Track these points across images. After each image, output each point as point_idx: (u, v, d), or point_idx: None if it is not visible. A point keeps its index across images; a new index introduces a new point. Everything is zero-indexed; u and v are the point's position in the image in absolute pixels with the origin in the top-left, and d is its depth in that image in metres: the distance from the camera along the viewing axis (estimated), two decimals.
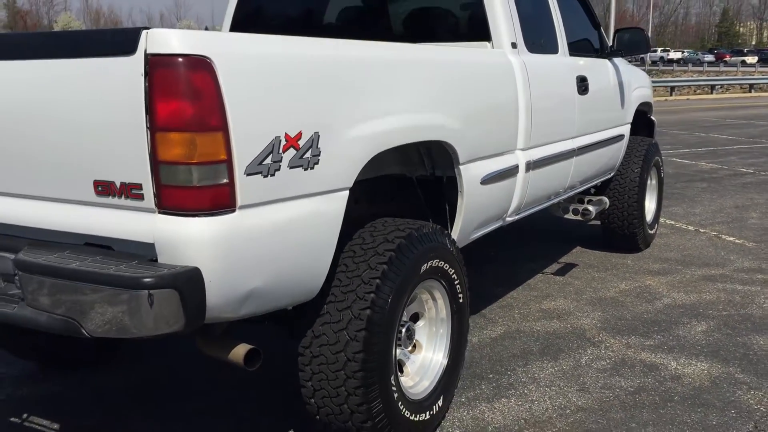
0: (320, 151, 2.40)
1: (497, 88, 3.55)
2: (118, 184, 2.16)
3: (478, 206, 3.42)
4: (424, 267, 2.85)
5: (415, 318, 3.10)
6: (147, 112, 2.05)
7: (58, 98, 2.23)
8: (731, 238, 6.43)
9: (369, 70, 2.67)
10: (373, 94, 2.66)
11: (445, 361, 3.09)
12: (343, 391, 2.63)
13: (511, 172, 3.68)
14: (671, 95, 29.70)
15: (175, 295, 2.03)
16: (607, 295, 4.92)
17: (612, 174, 5.62)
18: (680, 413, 3.25)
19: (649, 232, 6.03)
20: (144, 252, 2.15)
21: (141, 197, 2.12)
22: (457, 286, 3.11)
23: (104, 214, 2.22)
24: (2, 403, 3.43)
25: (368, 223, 2.91)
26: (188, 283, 2.05)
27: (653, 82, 31.85)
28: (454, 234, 3.36)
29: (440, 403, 3.05)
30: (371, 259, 2.69)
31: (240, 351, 2.43)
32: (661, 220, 7.05)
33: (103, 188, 2.19)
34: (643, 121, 6.22)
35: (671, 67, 54.27)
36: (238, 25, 4.49)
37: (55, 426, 3.21)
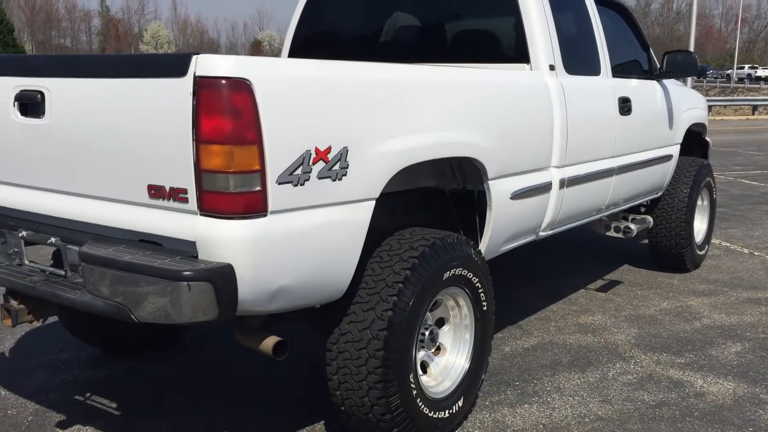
0: (348, 164, 2.65)
1: (531, 108, 3.74)
2: (167, 188, 2.46)
3: (507, 220, 3.61)
4: (446, 275, 3.06)
5: (441, 323, 3.32)
6: (193, 127, 2.34)
7: (121, 112, 2.56)
8: None
9: (397, 90, 2.91)
10: (401, 112, 2.90)
11: (467, 365, 3.29)
12: (364, 385, 2.87)
13: (543, 188, 3.85)
14: (753, 114, 28.83)
15: (210, 288, 2.31)
16: (647, 312, 5.00)
17: (660, 194, 5.68)
18: (697, 428, 3.35)
19: (698, 252, 6.05)
20: (188, 249, 2.45)
21: (186, 200, 2.42)
22: (481, 294, 3.31)
23: (155, 214, 2.53)
24: (70, 383, 3.81)
25: (400, 231, 3.15)
26: (221, 277, 2.33)
27: (736, 100, 31.04)
28: (483, 245, 3.56)
29: (460, 403, 3.25)
30: (396, 265, 2.92)
31: (269, 342, 2.70)
32: (717, 241, 7.03)
33: (155, 191, 2.50)
34: (697, 141, 6.26)
35: (758, 85, 52.47)
36: (296, 48, 4.83)
37: (113, 405, 3.56)
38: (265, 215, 2.42)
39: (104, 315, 2.54)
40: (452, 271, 3.09)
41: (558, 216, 4.09)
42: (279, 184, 2.42)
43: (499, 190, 3.48)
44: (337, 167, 2.61)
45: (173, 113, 2.40)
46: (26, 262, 2.97)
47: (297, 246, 2.54)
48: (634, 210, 5.58)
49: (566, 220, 4.28)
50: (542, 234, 4.09)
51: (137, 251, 2.50)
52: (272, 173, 2.40)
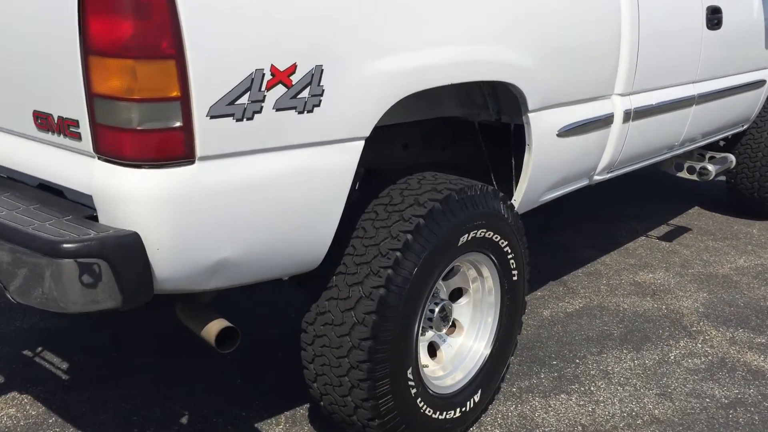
0: (323, 90, 1.87)
1: (593, 17, 2.84)
2: (55, 118, 1.74)
3: (551, 162, 2.80)
4: (464, 238, 2.31)
5: (458, 293, 2.59)
6: (80, 31, 1.60)
7: (5, 13, 1.82)
8: None
9: None
10: (407, 17, 2.08)
11: (487, 351, 2.57)
12: (346, 382, 2.18)
13: (602, 122, 3.00)
14: None
15: (105, 267, 1.61)
16: (720, 271, 4.17)
17: (746, 126, 4.72)
18: None
19: None
20: (90, 205, 1.75)
21: (78, 137, 1.70)
22: (511, 261, 2.55)
23: (47, 152, 1.82)
24: (25, 332, 3.24)
25: (406, 176, 2.39)
26: (121, 252, 1.63)
27: None
28: (518, 194, 2.77)
29: (476, 398, 2.55)
30: (394, 226, 2.17)
31: (213, 328, 2.01)
32: None
33: (42, 121, 1.78)
34: None
35: None
36: None
37: (64, 365, 2.98)
38: (191, 162, 1.69)
39: None
40: (473, 234, 2.33)
41: (619, 156, 3.25)
42: (212, 117, 1.68)
43: (542, 125, 2.66)
44: (305, 94, 1.84)
45: (56, 13, 1.65)
46: None
47: (243, 205, 1.81)
48: (712, 146, 4.66)
49: (629, 161, 3.44)
50: (597, 178, 3.27)
51: (23, 203, 1.81)
52: (201, 102, 1.65)
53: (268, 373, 2.93)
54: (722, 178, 5.02)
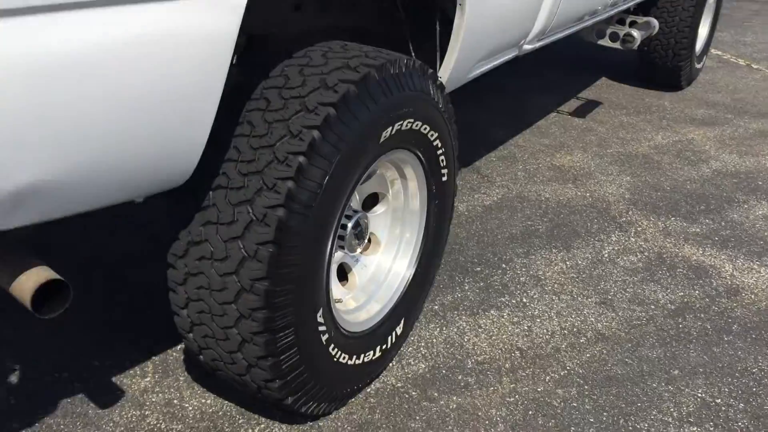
0: None
1: None
2: None
3: (486, 25, 2.20)
4: (387, 133, 1.71)
5: (372, 201, 2.02)
6: None
7: None
8: None
9: None
10: None
11: (410, 272, 2.05)
12: (234, 334, 1.59)
13: None
14: None
15: None
16: (639, 150, 3.81)
17: None
18: (743, 356, 2.28)
19: (696, 66, 4.80)
20: None
21: None
22: (441, 158, 1.99)
23: None
24: None
25: (305, 48, 1.73)
26: None
27: None
28: (446, 68, 2.17)
29: (399, 330, 2.04)
30: (294, 119, 1.53)
31: (28, 282, 1.33)
32: None
33: None
34: None
35: None
36: None
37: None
38: None
39: None
40: (397, 126, 1.73)
41: (553, 19, 2.69)
42: None
43: None
44: None
45: None
46: None
47: (62, 94, 1.11)
48: (627, 12, 4.19)
49: (560, 26, 2.89)
50: (527, 47, 2.72)
51: None
52: None
53: (139, 315, 2.30)
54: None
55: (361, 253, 1.99)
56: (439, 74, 2.16)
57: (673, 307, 2.50)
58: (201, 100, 1.36)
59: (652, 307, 2.50)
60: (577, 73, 5.01)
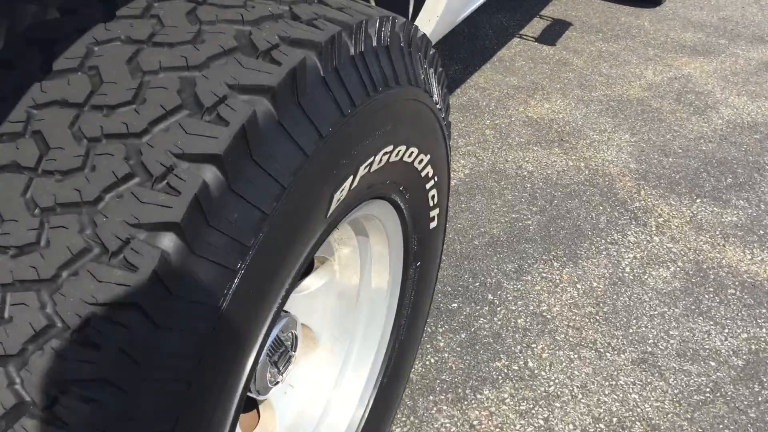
0: None
1: None
2: None
3: None
4: (339, 194, 0.75)
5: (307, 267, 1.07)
6: None
7: None
8: None
9: None
10: None
11: (362, 409, 1.13)
12: None
13: None
14: None
15: None
16: (630, 92, 2.95)
17: None
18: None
19: None
20: None
21: None
22: (432, 195, 1.05)
23: None
24: None
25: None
26: None
27: None
28: (436, 9, 1.20)
29: None
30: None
31: None
32: None
33: None
34: None
35: None
36: None
37: None
38: None
39: None
40: (362, 171, 0.77)
41: None
42: None
43: None
44: None
45: None
46: None
47: None
48: None
49: None
50: None
51: None
52: None
53: None
54: None
55: (281, 372, 1.06)
56: (429, 17, 1.19)
57: (740, 362, 1.71)
58: None
59: (712, 364, 1.70)
60: None
